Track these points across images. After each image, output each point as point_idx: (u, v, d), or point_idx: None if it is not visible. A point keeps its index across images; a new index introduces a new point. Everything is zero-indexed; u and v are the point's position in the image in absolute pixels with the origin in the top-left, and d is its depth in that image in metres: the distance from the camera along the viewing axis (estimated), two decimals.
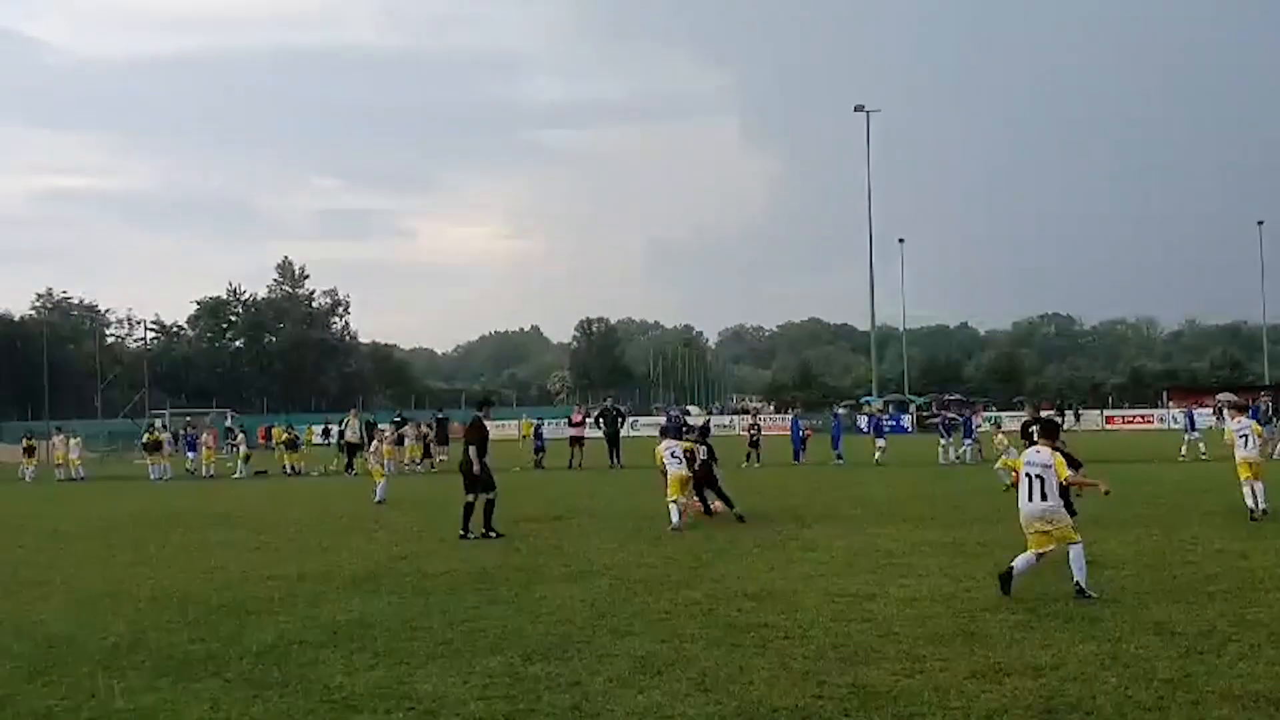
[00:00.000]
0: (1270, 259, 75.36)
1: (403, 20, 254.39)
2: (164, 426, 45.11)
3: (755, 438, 31.94)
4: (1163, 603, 9.16)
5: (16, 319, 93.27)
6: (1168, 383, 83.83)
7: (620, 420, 35.31)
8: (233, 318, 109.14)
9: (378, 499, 22.10)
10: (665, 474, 16.06)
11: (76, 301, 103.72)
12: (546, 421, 44.40)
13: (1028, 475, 9.72)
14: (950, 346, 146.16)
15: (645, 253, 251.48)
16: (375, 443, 26.59)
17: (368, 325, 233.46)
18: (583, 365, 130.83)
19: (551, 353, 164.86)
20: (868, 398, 74.51)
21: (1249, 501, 15.34)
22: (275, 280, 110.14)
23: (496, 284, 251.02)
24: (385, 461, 24.81)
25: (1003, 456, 21.09)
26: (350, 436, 33.67)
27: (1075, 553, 9.45)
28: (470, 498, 15.21)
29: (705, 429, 21.06)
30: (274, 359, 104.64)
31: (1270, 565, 11.05)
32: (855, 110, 69.88)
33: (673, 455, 15.95)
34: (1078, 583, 9.38)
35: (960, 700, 6.47)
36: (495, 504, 15.31)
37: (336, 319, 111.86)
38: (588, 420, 36.01)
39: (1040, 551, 9.53)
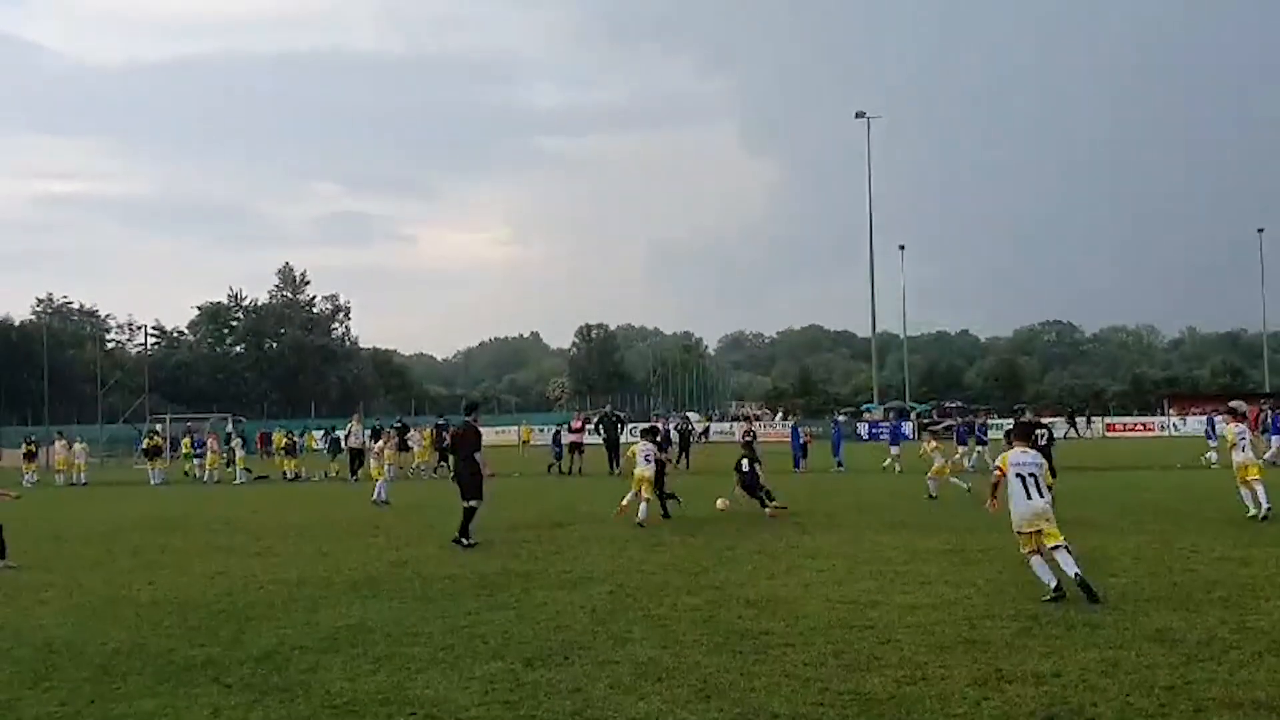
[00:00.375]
0: (1270, 266, 75.64)
1: (403, 26, 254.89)
2: (160, 432, 45.15)
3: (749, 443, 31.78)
4: (1163, 610, 9.16)
5: (17, 324, 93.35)
6: (1168, 390, 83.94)
7: (620, 427, 35.29)
8: (234, 323, 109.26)
9: (375, 498, 22.13)
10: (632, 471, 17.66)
11: (77, 306, 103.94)
12: (546, 428, 44.14)
13: (1020, 476, 9.94)
14: (951, 354, 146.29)
15: (645, 259, 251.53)
16: (379, 443, 26.62)
17: (368, 331, 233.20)
18: (582, 371, 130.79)
19: (551, 359, 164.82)
20: (868, 405, 74.61)
21: (1250, 504, 15.64)
22: (276, 285, 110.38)
23: (496, 290, 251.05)
24: (388, 465, 24.79)
25: (935, 465, 21.31)
26: (353, 442, 33.65)
27: (1064, 555, 9.63)
28: (469, 504, 15.15)
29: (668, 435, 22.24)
30: (275, 364, 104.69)
31: (1271, 572, 11.04)
32: (856, 117, 70.16)
33: (646, 459, 17.42)
34: (1079, 575, 9.43)
35: (962, 708, 6.47)
36: (477, 513, 15.24)
37: (337, 324, 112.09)
38: (587, 426, 36.00)
39: (1052, 545, 9.65)
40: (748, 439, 32.23)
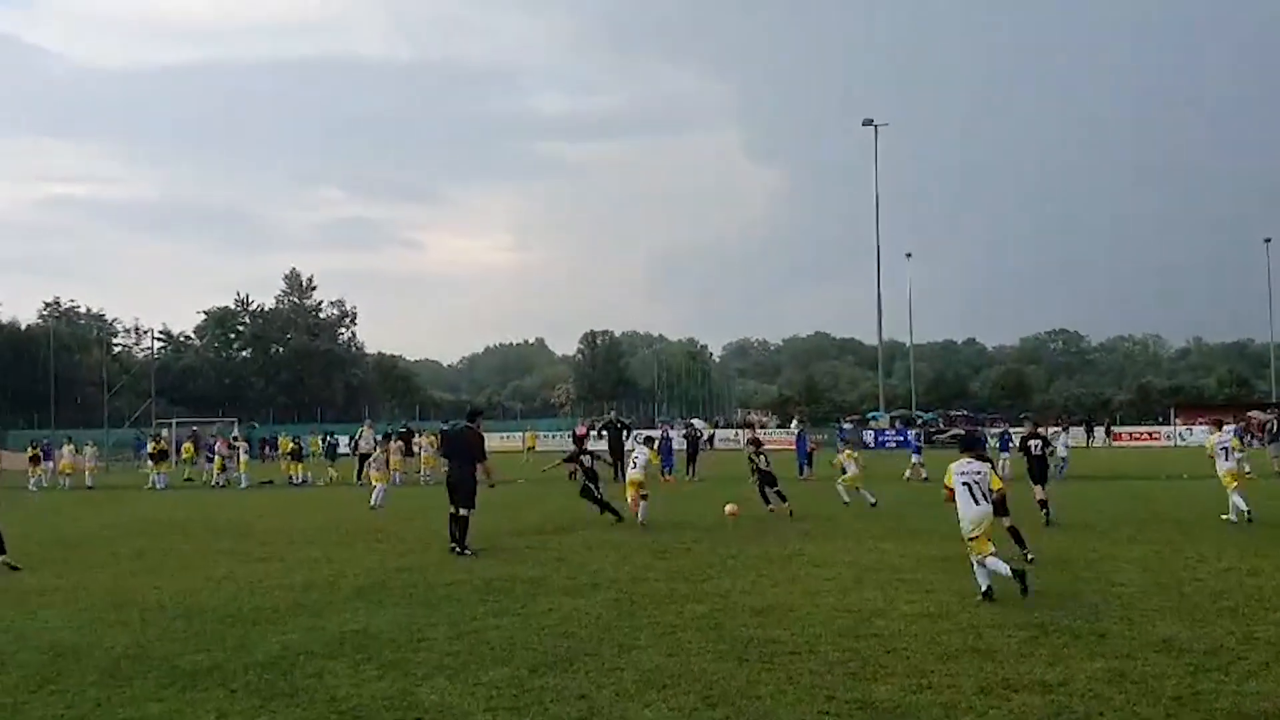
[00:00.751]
0: (1277, 277, 75.17)
1: (409, 32, 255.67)
2: (165, 437, 45.32)
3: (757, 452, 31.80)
4: (1170, 620, 9.14)
5: (23, 327, 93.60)
6: (1174, 399, 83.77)
7: (624, 433, 35.29)
8: (240, 328, 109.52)
9: (373, 504, 22.12)
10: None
11: (83, 310, 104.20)
12: (551, 434, 44.25)
13: (965, 484, 10.46)
14: (957, 362, 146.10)
15: (649, 265, 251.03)
16: (378, 450, 26.66)
17: (374, 336, 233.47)
18: (587, 378, 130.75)
19: (556, 365, 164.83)
20: (874, 413, 74.45)
21: (1239, 508, 16.84)
22: (283, 290, 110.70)
23: (501, 296, 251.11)
24: (393, 472, 24.85)
25: (848, 474, 21.41)
26: (364, 447, 33.81)
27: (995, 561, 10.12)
28: (465, 512, 15.16)
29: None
30: (281, 369, 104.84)
31: (1278, 583, 11.02)
32: (864, 125, 69.92)
33: (633, 465, 18.98)
34: (1015, 572, 9.96)
35: (968, 716, 6.46)
36: (469, 522, 15.23)
37: (343, 329, 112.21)
38: (591, 433, 35.99)
39: (991, 552, 10.12)
40: (754, 444, 32.46)
